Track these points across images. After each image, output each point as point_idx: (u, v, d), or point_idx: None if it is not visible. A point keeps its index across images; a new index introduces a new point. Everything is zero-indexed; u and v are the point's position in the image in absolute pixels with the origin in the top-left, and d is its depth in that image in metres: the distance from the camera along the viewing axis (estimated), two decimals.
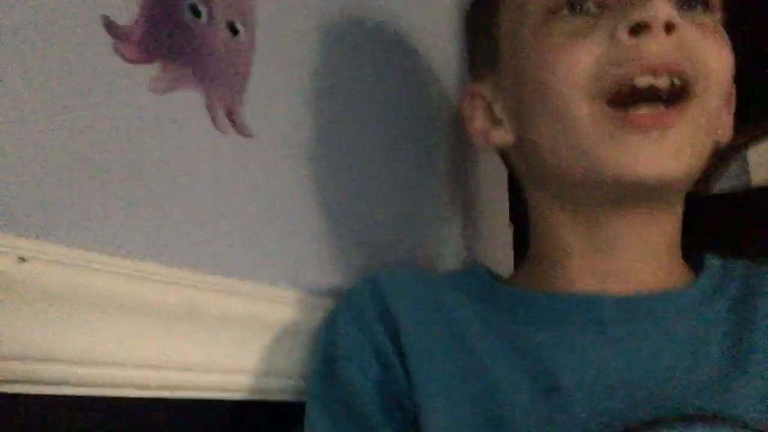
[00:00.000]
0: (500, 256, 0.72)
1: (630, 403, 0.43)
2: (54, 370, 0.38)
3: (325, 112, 0.59)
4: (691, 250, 0.52)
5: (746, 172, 1.07)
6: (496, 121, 0.52)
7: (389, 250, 0.64)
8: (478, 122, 0.53)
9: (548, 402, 0.44)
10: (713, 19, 0.47)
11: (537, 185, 0.52)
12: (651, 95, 0.44)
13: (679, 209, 0.50)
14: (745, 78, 0.57)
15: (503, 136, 0.52)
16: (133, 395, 0.42)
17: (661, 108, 0.44)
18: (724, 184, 0.69)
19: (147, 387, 0.43)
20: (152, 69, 0.46)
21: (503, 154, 0.56)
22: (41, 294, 0.38)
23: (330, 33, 0.61)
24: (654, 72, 0.43)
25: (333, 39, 0.61)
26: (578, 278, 0.49)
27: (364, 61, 0.64)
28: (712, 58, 0.45)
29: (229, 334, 0.48)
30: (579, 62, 0.44)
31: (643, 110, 0.43)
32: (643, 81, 0.44)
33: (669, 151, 0.43)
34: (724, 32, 0.47)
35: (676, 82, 0.44)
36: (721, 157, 0.61)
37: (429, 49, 0.71)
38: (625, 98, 0.44)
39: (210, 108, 0.49)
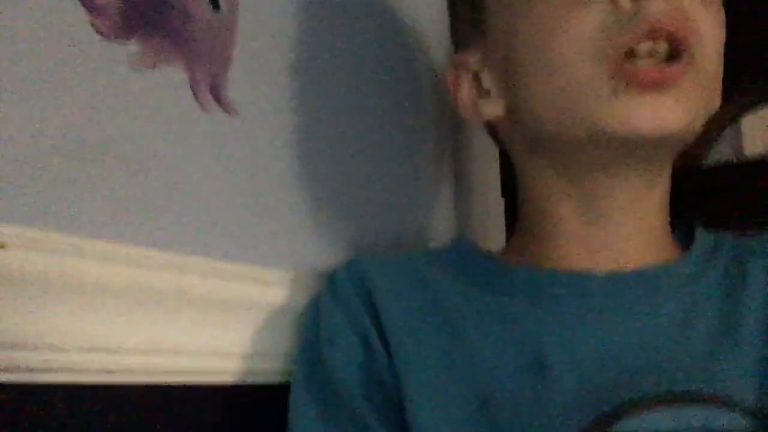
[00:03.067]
0: (493, 232, 0.71)
1: (618, 380, 0.43)
2: (37, 358, 0.37)
3: (311, 89, 0.58)
4: (680, 224, 0.51)
5: (740, 144, 1.07)
6: (483, 93, 0.51)
7: (380, 227, 0.63)
8: (465, 94, 0.52)
9: (536, 380, 0.44)
10: None
11: (530, 155, 0.51)
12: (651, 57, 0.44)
13: (669, 180, 0.50)
14: (739, 46, 0.56)
15: (493, 107, 0.50)
16: (119, 381, 0.42)
17: (663, 65, 0.44)
18: (716, 157, 0.68)
19: (134, 373, 0.42)
20: (131, 44, 0.44)
21: (490, 126, 0.55)
22: (23, 280, 0.37)
23: (315, 8, 0.59)
24: (654, 37, 0.43)
25: (318, 14, 0.59)
26: (568, 252, 0.49)
27: (349, 37, 0.62)
28: (708, 26, 0.45)
29: (218, 317, 0.47)
30: (582, 28, 0.44)
31: (647, 63, 0.43)
32: (643, 47, 0.44)
33: (670, 106, 0.43)
34: (721, 4, 0.47)
35: (674, 49, 0.44)
36: (712, 127, 0.60)
37: (415, 22, 0.69)
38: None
39: (193, 84, 0.48)
